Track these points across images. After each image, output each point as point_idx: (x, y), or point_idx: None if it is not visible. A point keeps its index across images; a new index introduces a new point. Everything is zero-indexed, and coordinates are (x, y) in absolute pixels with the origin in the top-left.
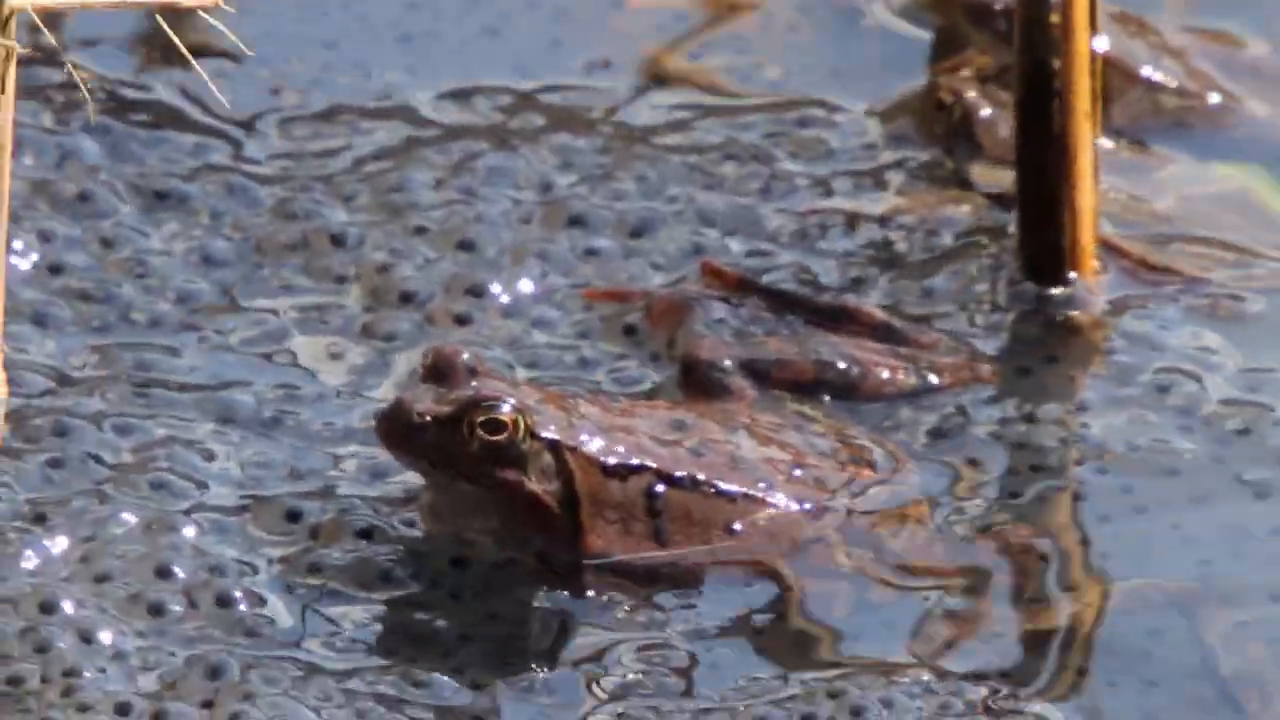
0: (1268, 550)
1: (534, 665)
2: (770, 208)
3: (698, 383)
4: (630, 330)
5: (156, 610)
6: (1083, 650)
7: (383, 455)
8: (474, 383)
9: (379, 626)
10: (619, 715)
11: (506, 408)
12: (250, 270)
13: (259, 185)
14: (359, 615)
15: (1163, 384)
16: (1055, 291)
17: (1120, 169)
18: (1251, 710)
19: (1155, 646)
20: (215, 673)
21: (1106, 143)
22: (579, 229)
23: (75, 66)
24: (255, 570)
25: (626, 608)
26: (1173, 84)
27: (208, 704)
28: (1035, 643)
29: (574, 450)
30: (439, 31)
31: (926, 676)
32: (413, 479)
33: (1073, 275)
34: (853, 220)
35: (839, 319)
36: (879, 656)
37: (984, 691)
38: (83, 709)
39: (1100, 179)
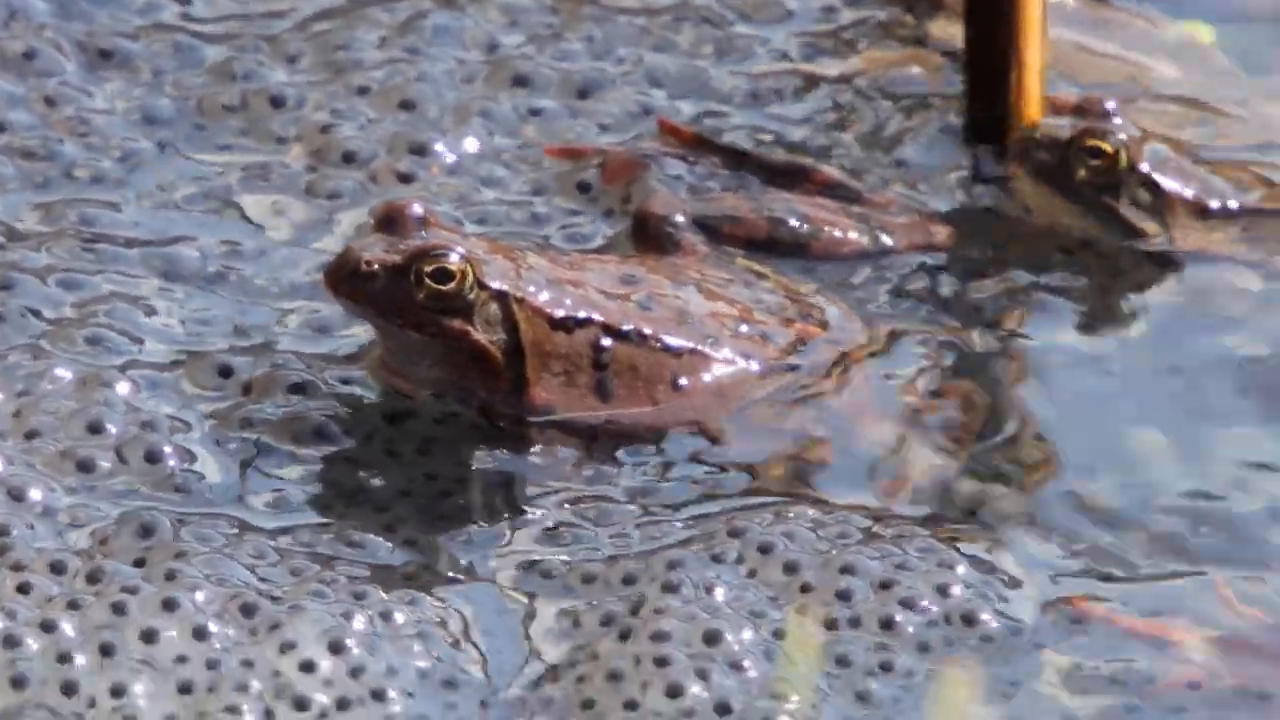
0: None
1: (467, 522)
2: (722, 70)
3: (649, 237)
4: (584, 187)
5: (86, 467)
6: (1007, 497)
7: (325, 311)
8: (423, 233)
9: (313, 483)
10: (531, 564)
11: (455, 257)
12: (192, 130)
13: (204, 44)
14: (292, 472)
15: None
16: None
17: (1074, 22)
18: None
19: (1090, 493)
20: (147, 531)
21: None
22: (523, 89)
23: None
24: (187, 426)
25: (564, 464)
26: None
27: (140, 562)
28: (957, 489)
29: (521, 301)
30: None
31: (812, 510)
32: (354, 336)
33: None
34: (807, 82)
35: (795, 177)
36: (783, 497)
37: (872, 521)
38: (16, 568)
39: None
